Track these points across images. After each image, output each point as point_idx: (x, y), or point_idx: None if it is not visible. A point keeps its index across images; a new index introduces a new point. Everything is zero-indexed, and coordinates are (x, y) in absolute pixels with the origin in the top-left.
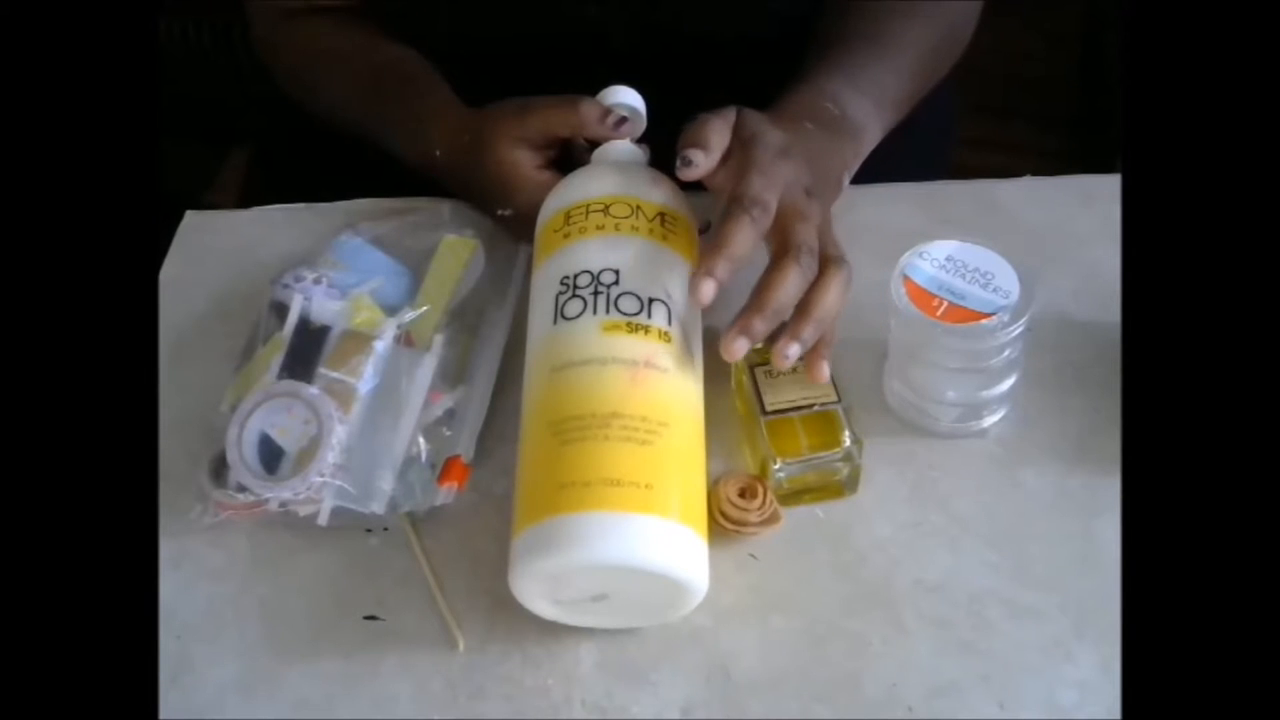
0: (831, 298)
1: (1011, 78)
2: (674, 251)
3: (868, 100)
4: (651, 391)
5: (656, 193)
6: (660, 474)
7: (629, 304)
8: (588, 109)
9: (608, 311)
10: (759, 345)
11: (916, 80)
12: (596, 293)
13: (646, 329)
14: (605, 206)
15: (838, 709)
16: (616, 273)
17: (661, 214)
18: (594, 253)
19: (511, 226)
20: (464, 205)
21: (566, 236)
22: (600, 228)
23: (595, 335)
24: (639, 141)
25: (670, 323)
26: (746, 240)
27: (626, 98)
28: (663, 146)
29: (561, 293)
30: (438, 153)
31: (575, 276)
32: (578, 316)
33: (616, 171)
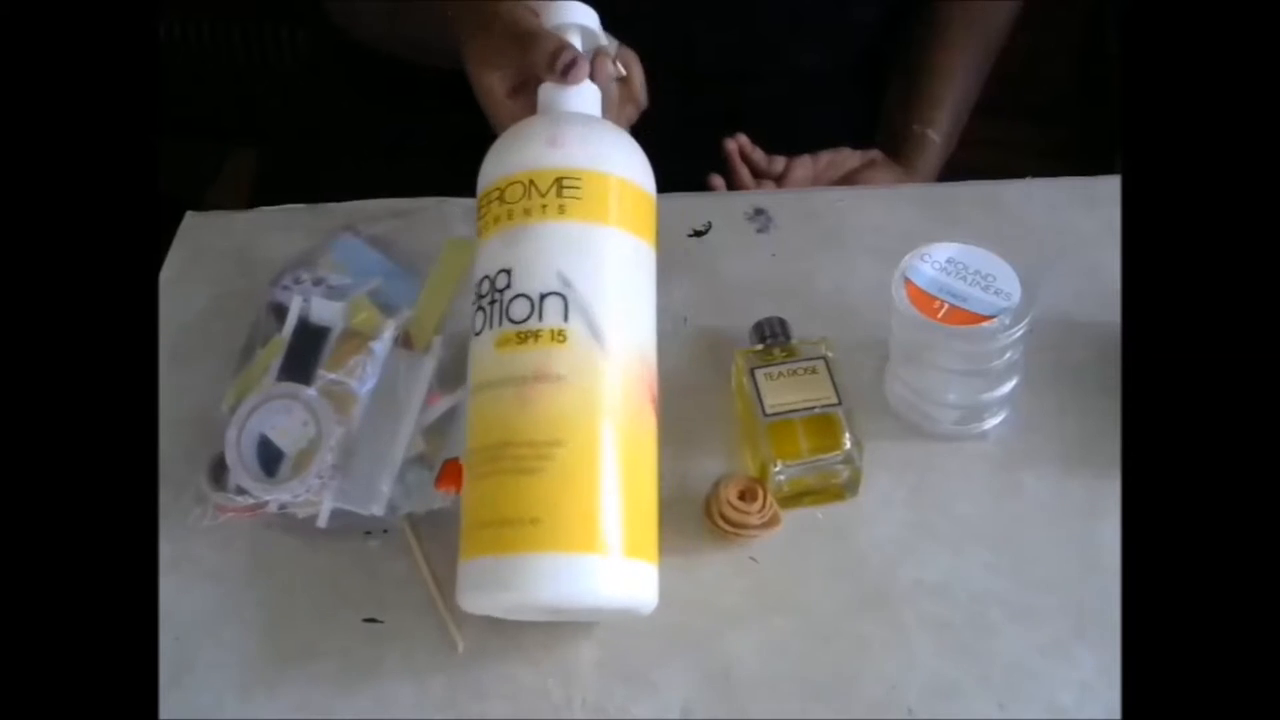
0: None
1: (1012, 77)
2: (574, 221)
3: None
4: (542, 409)
5: (553, 155)
6: (548, 503)
7: (520, 308)
8: (539, 49)
9: (500, 323)
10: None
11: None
12: (493, 302)
13: (536, 335)
14: (500, 193)
15: (838, 710)
16: (509, 273)
17: (558, 181)
18: (492, 253)
19: None
20: (465, 205)
21: (479, 234)
22: (497, 220)
23: (490, 354)
24: (603, 61)
25: (566, 317)
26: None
27: (576, 15)
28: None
29: (474, 303)
30: (449, 13)
31: (479, 284)
32: (480, 333)
33: (509, 141)
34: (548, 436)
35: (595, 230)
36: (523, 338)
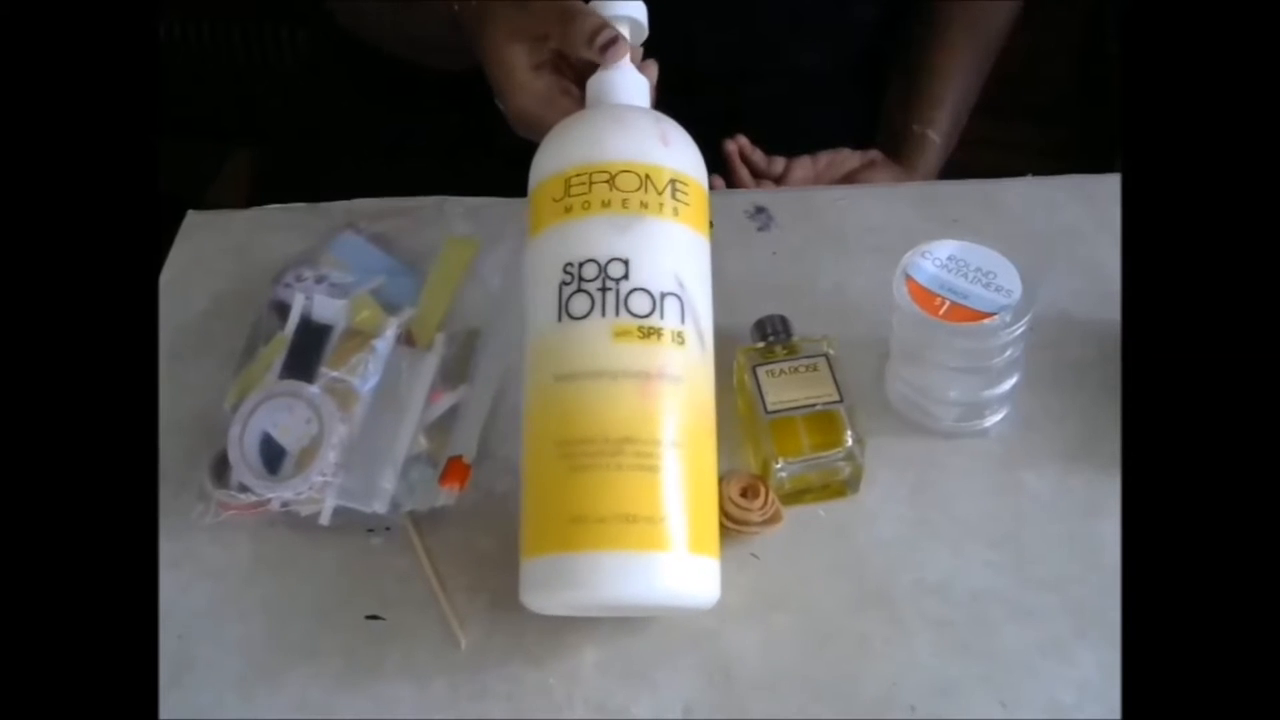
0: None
1: (1012, 77)
2: (686, 226)
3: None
4: (663, 407)
5: (667, 154)
6: (671, 503)
7: (640, 303)
8: (580, 25)
9: (618, 313)
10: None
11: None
12: (604, 288)
13: (659, 333)
14: (610, 177)
15: (839, 709)
16: (626, 264)
17: (673, 182)
18: (599, 236)
19: (509, 120)
20: (465, 203)
21: (568, 210)
22: (606, 204)
23: (605, 342)
24: (642, 57)
25: (683, 320)
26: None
27: (625, 8)
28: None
29: (565, 283)
30: (456, 7)
31: (580, 266)
32: (584, 317)
33: (619, 126)
34: (670, 436)
35: (696, 237)
36: (645, 333)
